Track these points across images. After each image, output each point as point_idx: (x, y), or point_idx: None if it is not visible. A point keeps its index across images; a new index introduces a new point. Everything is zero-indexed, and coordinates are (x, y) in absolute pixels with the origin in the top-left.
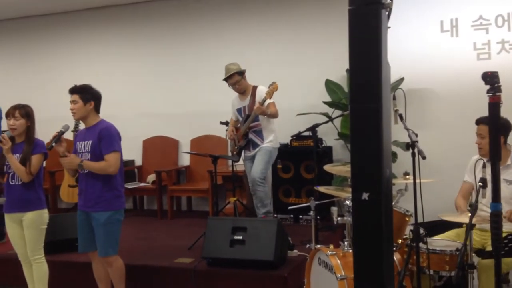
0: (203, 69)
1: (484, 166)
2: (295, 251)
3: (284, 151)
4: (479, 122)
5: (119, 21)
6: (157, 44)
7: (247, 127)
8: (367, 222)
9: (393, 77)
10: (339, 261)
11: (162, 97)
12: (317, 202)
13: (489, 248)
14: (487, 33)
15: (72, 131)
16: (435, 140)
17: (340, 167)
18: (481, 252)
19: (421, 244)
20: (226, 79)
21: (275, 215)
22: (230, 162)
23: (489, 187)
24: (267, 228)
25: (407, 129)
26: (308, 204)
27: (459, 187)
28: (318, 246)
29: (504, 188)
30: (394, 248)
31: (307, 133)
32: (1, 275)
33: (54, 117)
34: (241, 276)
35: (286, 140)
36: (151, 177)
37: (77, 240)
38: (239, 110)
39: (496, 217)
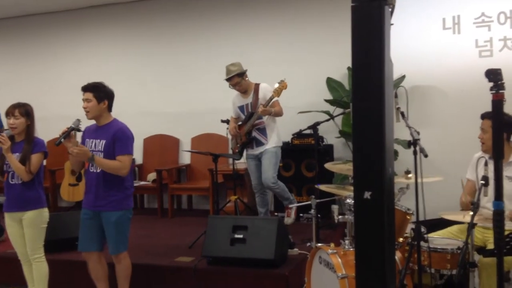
0: (204, 67)
1: (486, 164)
2: (296, 249)
3: (285, 149)
4: (483, 116)
5: (120, 19)
6: (158, 42)
7: (251, 125)
8: (369, 221)
9: (395, 74)
10: (340, 260)
11: (163, 95)
12: (318, 201)
13: (490, 246)
14: (489, 30)
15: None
16: (437, 138)
17: (341, 165)
18: (482, 250)
19: (422, 243)
20: (227, 80)
21: (276, 214)
22: (231, 160)
23: (491, 185)
24: (267, 227)
25: (409, 127)
26: (309, 202)
27: (461, 185)
28: (319, 244)
29: (506, 186)
30: (395, 247)
31: (308, 131)
32: (1, 274)
33: (56, 116)
34: (241, 274)
35: (287, 138)
36: (152, 176)
37: (78, 239)
38: (241, 108)
39: (498, 216)
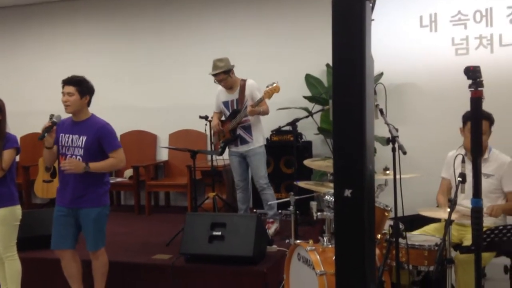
0: (182, 62)
1: (463, 161)
2: (274, 246)
3: (264, 146)
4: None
5: (97, 13)
6: (134, 37)
7: (236, 123)
8: (349, 219)
9: None
10: (318, 257)
11: (140, 90)
12: (296, 197)
13: (466, 242)
14: (466, 28)
15: (47, 125)
16: (414, 135)
17: (320, 162)
18: (459, 247)
19: (400, 239)
20: (212, 75)
21: (255, 210)
22: (209, 157)
23: (468, 182)
24: (246, 224)
25: (388, 124)
26: (288, 199)
27: (438, 182)
28: (298, 241)
29: (482, 182)
30: None
31: (287, 128)
32: None
33: (29, 111)
34: (220, 272)
35: (266, 134)
36: (128, 172)
37: (51, 237)
38: (225, 104)
39: (477, 213)
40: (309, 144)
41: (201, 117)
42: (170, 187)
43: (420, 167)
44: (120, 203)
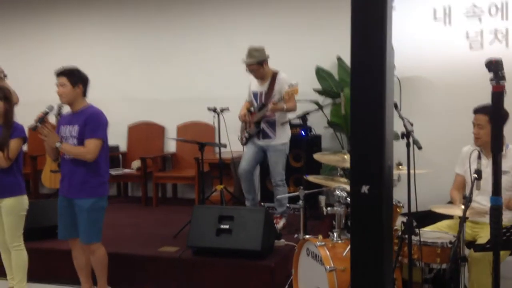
0: (192, 53)
1: (479, 157)
2: (283, 240)
3: None
4: (477, 111)
5: (106, 4)
6: (144, 27)
7: (260, 116)
8: (366, 216)
9: None
10: (328, 252)
11: (149, 82)
12: (306, 192)
13: (480, 240)
14: (480, 22)
15: (55, 115)
16: (425, 130)
17: (329, 156)
18: (473, 245)
19: (412, 236)
20: (245, 63)
21: (262, 204)
22: (217, 149)
23: (483, 179)
24: (254, 217)
25: (402, 118)
26: (297, 193)
27: (450, 178)
28: (307, 236)
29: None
30: None
31: (296, 121)
32: None
33: (36, 101)
34: (227, 265)
35: None
36: (136, 164)
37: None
38: (255, 94)
39: (495, 211)
40: (318, 138)
41: (209, 109)
42: (178, 179)
43: (430, 163)
44: (127, 195)
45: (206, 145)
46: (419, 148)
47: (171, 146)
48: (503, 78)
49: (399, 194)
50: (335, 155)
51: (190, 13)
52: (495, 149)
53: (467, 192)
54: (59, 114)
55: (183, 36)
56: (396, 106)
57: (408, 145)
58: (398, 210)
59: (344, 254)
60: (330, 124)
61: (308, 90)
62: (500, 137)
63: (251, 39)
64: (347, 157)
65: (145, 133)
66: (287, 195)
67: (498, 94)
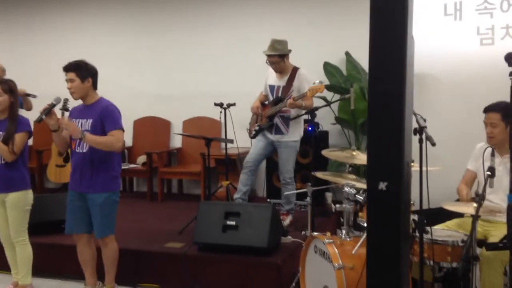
0: (198, 48)
1: (493, 155)
2: (289, 237)
3: None
4: (488, 109)
5: None
6: (149, 22)
7: (276, 111)
8: (383, 214)
9: None
10: (336, 250)
11: (155, 76)
12: (314, 188)
13: (492, 239)
14: (492, 17)
15: (61, 109)
16: (436, 126)
17: (338, 153)
18: (485, 243)
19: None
20: (266, 54)
21: (268, 200)
22: (223, 145)
23: (496, 177)
24: (261, 214)
25: (415, 114)
26: (304, 190)
27: (460, 175)
28: (315, 233)
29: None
30: None
31: (304, 117)
32: None
33: (44, 96)
34: (233, 262)
35: None
36: (142, 159)
37: (64, 222)
38: (271, 87)
39: None
40: (325, 134)
41: (216, 104)
42: (183, 175)
43: (440, 160)
44: (133, 190)
45: (213, 141)
46: (433, 144)
47: (177, 141)
48: None
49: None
50: (344, 152)
51: (197, 8)
52: None
53: (480, 190)
54: (64, 108)
55: (189, 30)
56: None
57: (420, 141)
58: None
59: (353, 252)
60: (338, 120)
61: None
62: None
63: (259, 35)
64: (355, 153)
65: (151, 128)
66: (296, 191)
67: None
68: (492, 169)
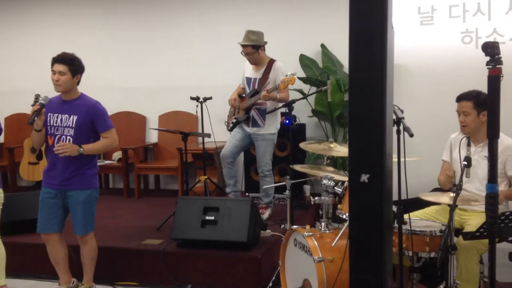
0: (172, 41)
1: (469, 144)
2: (269, 231)
3: None
4: (460, 98)
5: None
6: (123, 16)
7: (251, 103)
8: (366, 206)
9: None
10: (316, 243)
11: (129, 70)
12: (293, 181)
13: (468, 228)
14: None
15: (32, 105)
16: (411, 118)
17: (315, 145)
18: (463, 233)
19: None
20: (241, 45)
21: (247, 194)
22: (200, 139)
23: (473, 166)
24: (240, 208)
25: (393, 105)
26: (283, 183)
27: (435, 165)
28: (294, 226)
29: (484, 166)
30: None
31: (281, 110)
32: None
33: (13, 91)
34: (212, 257)
35: None
36: (117, 155)
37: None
38: (248, 80)
39: (492, 199)
40: (302, 126)
41: (192, 98)
42: (160, 170)
43: (415, 150)
44: (109, 186)
45: (190, 135)
46: (411, 135)
47: (153, 136)
48: (499, 62)
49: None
50: (321, 144)
51: (172, 2)
52: (492, 134)
53: (457, 180)
54: (36, 102)
55: (163, 24)
56: None
57: (398, 132)
58: None
59: (332, 245)
60: (314, 112)
61: None
62: (497, 122)
63: (234, 28)
64: (333, 145)
65: (126, 123)
66: (274, 185)
67: (495, 78)
68: (468, 159)
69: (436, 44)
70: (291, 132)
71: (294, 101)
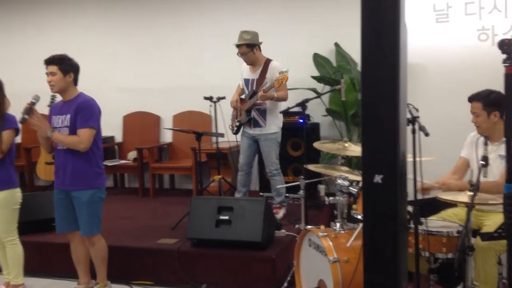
0: (185, 41)
1: (486, 143)
2: (283, 231)
3: None
4: (471, 99)
5: None
6: (137, 16)
7: (251, 104)
8: (380, 207)
9: None
10: (331, 243)
11: (144, 70)
12: (307, 181)
13: (486, 228)
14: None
15: (48, 106)
16: (427, 117)
17: (329, 145)
18: (481, 233)
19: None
20: (236, 45)
21: (261, 194)
22: (214, 139)
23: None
24: (254, 208)
25: (407, 104)
26: (297, 183)
27: (452, 165)
28: (309, 227)
29: (499, 165)
30: None
31: (294, 109)
32: None
33: (27, 91)
34: (227, 257)
35: None
36: (132, 154)
37: (54, 220)
38: (246, 81)
39: (510, 199)
40: (316, 126)
41: (205, 98)
42: (175, 170)
43: (432, 150)
44: (124, 186)
45: (204, 135)
46: (426, 134)
47: (167, 136)
48: None
49: None
50: (336, 143)
51: (184, 1)
52: (509, 134)
53: (474, 179)
54: (52, 103)
55: (177, 24)
56: None
57: (413, 131)
58: None
59: (347, 245)
60: (329, 111)
61: (306, 78)
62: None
63: (247, 27)
64: (347, 145)
65: (141, 123)
66: (286, 185)
67: (511, 76)
68: (485, 158)
69: (452, 42)
70: (305, 132)
71: (307, 100)
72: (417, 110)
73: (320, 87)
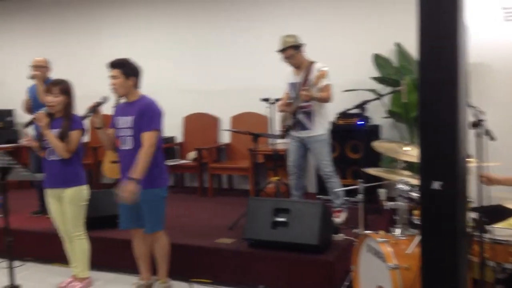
0: (244, 44)
1: None
2: (341, 235)
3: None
4: None
5: None
6: (196, 19)
7: (296, 107)
8: (438, 215)
9: None
10: (390, 249)
11: (203, 73)
12: (366, 185)
13: None
14: None
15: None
16: (493, 120)
17: (390, 144)
18: None
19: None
20: (280, 51)
21: (319, 197)
22: (271, 140)
23: None
24: (311, 211)
25: (472, 106)
26: (356, 186)
27: None
28: (368, 232)
29: None
30: None
31: (353, 111)
32: (45, 251)
33: (94, 94)
34: (284, 259)
35: (331, 117)
36: (192, 154)
37: (118, 217)
38: (292, 85)
39: None
40: (376, 128)
41: (262, 100)
42: (232, 170)
43: (499, 155)
44: (184, 185)
45: (260, 136)
46: (492, 139)
47: (225, 137)
48: None
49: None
50: (393, 143)
51: (242, 2)
52: None
53: None
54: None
55: (235, 26)
56: None
57: (479, 135)
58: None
59: (408, 252)
60: (390, 113)
61: (365, 79)
62: None
63: (304, 28)
64: (409, 148)
65: (200, 124)
66: (344, 188)
67: None
68: None
69: None
70: (364, 134)
71: (367, 102)
72: (482, 113)
73: (380, 88)
